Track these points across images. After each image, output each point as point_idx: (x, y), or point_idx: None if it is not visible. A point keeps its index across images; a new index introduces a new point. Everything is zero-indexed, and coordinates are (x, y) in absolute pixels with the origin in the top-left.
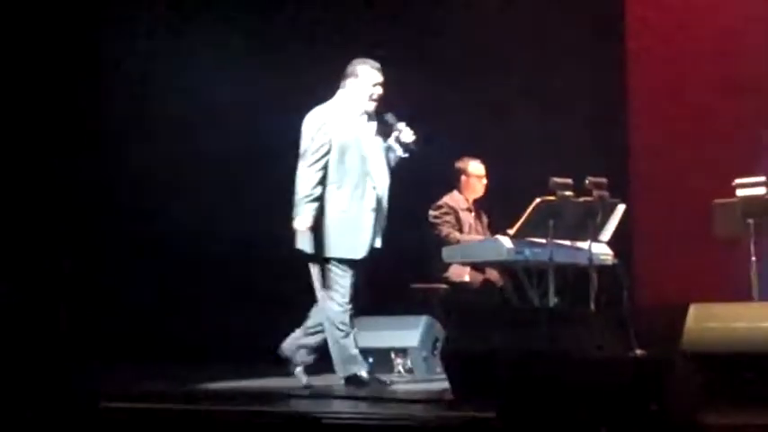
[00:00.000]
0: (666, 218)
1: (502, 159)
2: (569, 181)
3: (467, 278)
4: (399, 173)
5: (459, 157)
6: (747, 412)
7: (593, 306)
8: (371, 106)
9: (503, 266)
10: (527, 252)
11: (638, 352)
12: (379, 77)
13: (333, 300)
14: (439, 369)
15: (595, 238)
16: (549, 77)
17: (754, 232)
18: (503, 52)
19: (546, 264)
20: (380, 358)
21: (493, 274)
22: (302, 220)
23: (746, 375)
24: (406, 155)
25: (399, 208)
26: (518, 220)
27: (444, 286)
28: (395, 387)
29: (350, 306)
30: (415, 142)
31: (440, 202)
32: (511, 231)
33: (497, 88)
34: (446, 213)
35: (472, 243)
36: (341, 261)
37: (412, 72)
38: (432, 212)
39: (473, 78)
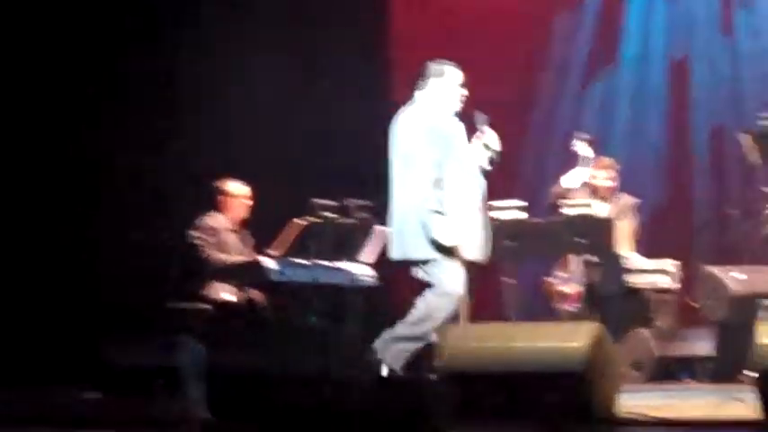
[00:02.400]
0: None
1: (267, 180)
2: (332, 203)
3: (230, 298)
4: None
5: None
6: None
7: (353, 327)
8: (459, 106)
9: (265, 287)
10: (289, 272)
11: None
12: (463, 77)
13: (449, 300)
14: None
15: (357, 260)
16: (314, 99)
17: (511, 254)
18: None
19: (308, 284)
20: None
21: (255, 295)
22: (454, 233)
23: (500, 394)
24: (490, 168)
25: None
26: (281, 240)
27: (206, 306)
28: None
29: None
30: (499, 152)
31: (200, 223)
32: (275, 252)
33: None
34: (208, 234)
35: (236, 264)
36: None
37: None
38: (192, 232)
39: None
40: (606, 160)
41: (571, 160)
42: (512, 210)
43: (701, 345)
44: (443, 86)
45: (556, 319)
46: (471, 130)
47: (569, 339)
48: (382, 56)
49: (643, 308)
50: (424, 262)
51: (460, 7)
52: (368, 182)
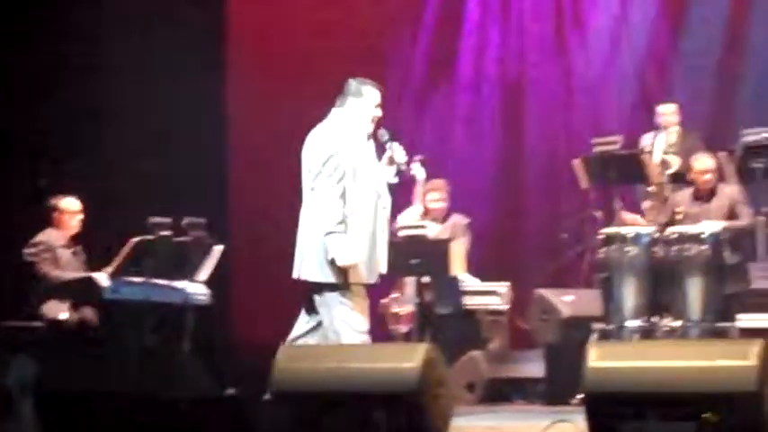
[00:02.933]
0: (263, 258)
1: (101, 197)
2: (167, 220)
3: (63, 316)
4: None
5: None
6: None
7: (188, 345)
8: (371, 128)
9: (99, 304)
10: (123, 290)
11: (231, 391)
12: (380, 98)
13: (352, 328)
14: None
15: (192, 278)
16: (148, 115)
17: None
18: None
19: (142, 302)
20: None
21: (89, 312)
22: (352, 252)
23: (334, 415)
24: (396, 179)
25: None
26: (116, 258)
27: (39, 324)
28: None
29: (368, 336)
30: (406, 163)
31: (35, 240)
32: (108, 269)
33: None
34: (44, 251)
35: (70, 280)
36: (355, 287)
37: None
38: (27, 250)
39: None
40: (438, 182)
41: (406, 180)
42: None
43: (533, 367)
44: (360, 107)
45: (390, 341)
46: (381, 149)
47: (402, 360)
48: (220, 71)
49: (476, 329)
50: (321, 289)
51: (298, 23)
52: (208, 198)
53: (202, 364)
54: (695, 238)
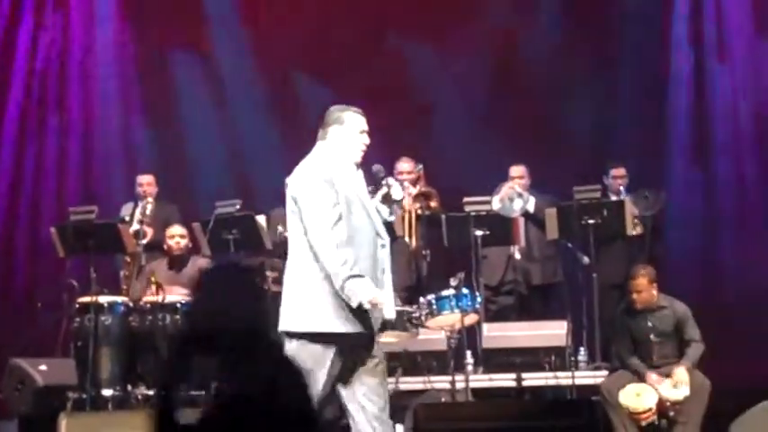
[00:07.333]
0: None
1: None
2: None
3: None
4: None
5: None
6: None
7: None
8: (360, 156)
9: None
10: None
11: None
12: (365, 124)
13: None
14: None
15: None
16: None
17: None
18: None
19: None
20: None
21: None
22: (370, 291)
23: None
24: (392, 218)
25: None
26: None
27: None
28: None
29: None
30: (401, 201)
31: None
32: None
33: None
34: None
35: None
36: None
37: None
38: None
39: None
40: None
41: None
42: None
43: None
44: (344, 134)
45: None
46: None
47: None
48: None
49: None
50: (318, 337)
51: None
52: None
53: None
54: (169, 308)
